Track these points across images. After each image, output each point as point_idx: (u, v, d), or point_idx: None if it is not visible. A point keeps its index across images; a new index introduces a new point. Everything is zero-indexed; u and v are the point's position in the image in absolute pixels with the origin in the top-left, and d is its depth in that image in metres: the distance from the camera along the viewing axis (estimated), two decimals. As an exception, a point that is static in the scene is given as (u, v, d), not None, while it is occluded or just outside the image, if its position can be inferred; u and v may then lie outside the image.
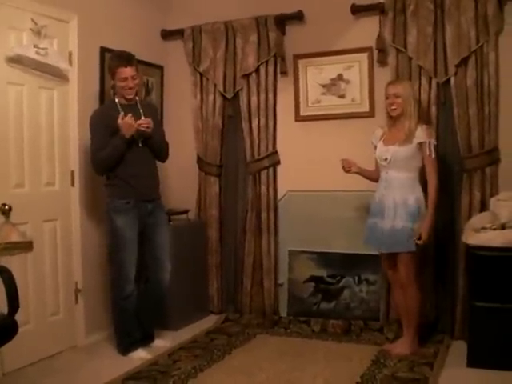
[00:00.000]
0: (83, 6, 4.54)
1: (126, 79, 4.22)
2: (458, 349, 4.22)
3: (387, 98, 4.20)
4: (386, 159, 4.16)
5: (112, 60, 4.32)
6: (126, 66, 4.20)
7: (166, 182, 5.23)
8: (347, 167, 4.34)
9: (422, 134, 4.09)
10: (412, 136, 4.09)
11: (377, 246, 4.31)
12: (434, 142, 4.11)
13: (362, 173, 4.40)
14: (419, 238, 4.03)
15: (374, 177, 4.37)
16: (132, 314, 4.35)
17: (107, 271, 4.59)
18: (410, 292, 4.15)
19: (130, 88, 4.26)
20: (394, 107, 4.15)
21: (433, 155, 4.09)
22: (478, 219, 4.21)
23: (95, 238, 4.68)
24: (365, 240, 4.36)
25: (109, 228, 4.35)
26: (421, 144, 4.08)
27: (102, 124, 4.21)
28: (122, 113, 4.16)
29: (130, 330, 4.36)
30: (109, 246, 4.40)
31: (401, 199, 4.09)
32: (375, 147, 4.31)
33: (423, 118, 4.40)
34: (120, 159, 4.20)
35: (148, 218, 4.36)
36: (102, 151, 4.16)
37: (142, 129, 4.19)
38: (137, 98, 4.41)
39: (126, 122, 4.12)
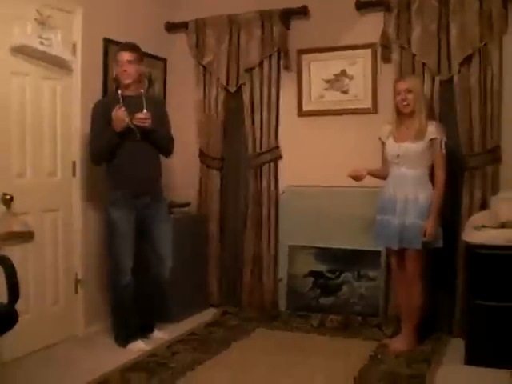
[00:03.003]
0: (88, -4, 4.54)
1: (122, 62, 4.23)
2: (456, 346, 4.23)
3: (398, 93, 4.16)
4: (398, 156, 4.15)
5: (117, 49, 4.37)
6: (124, 50, 4.25)
7: (168, 175, 5.22)
8: (358, 175, 4.31)
9: (434, 130, 4.08)
10: (424, 132, 4.08)
11: (387, 243, 4.30)
12: (445, 139, 4.11)
13: (373, 173, 4.37)
14: (425, 235, 4.04)
15: (383, 174, 4.35)
16: (129, 306, 4.35)
17: (107, 262, 4.61)
18: (415, 289, 4.15)
19: (125, 71, 4.24)
20: (406, 103, 4.12)
21: (443, 152, 4.09)
22: (478, 217, 4.21)
23: (96, 229, 4.69)
24: (375, 237, 4.35)
25: (105, 219, 4.37)
26: (432, 140, 4.07)
27: (101, 115, 4.21)
28: (119, 104, 4.14)
29: (127, 322, 4.37)
30: (106, 237, 4.42)
31: (412, 196, 4.08)
32: (383, 143, 4.30)
33: (430, 114, 4.40)
34: (113, 151, 4.20)
35: (146, 210, 4.35)
36: (97, 142, 4.19)
37: (138, 124, 4.16)
38: (142, 90, 4.40)
39: (117, 116, 4.11)
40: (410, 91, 4.12)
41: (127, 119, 4.11)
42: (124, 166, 4.25)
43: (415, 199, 4.08)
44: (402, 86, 4.16)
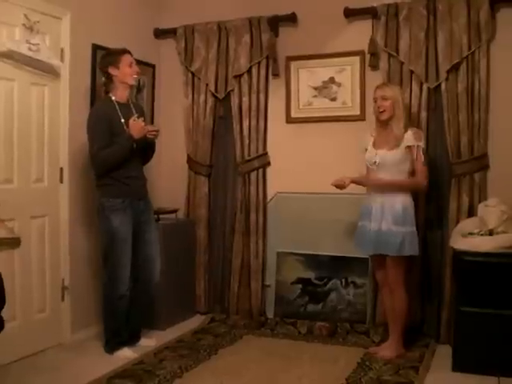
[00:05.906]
0: (76, 2, 4.53)
1: (132, 64, 4.29)
2: (444, 353, 4.24)
3: (375, 101, 4.20)
4: (374, 163, 4.18)
5: (111, 53, 4.34)
6: (129, 54, 4.31)
7: (156, 181, 5.23)
8: (341, 184, 4.31)
9: (410, 137, 4.09)
10: (400, 140, 4.10)
11: (365, 249, 4.32)
12: (422, 145, 4.12)
13: (358, 181, 4.36)
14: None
15: None
16: (123, 314, 4.34)
17: (95, 269, 4.59)
18: (398, 294, 4.16)
19: (138, 73, 4.38)
20: (381, 110, 4.15)
21: (422, 159, 4.10)
22: (465, 224, 4.24)
23: (83, 236, 4.66)
24: (355, 243, 4.38)
25: (104, 228, 4.28)
26: (409, 148, 4.09)
27: (104, 122, 4.19)
28: (136, 114, 4.22)
29: (119, 330, 4.35)
30: (104, 245, 4.33)
31: (388, 202, 4.10)
32: (365, 150, 4.31)
33: (413, 122, 4.42)
34: (124, 159, 4.20)
35: (140, 216, 4.36)
36: (106, 150, 4.14)
37: (150, 137, 4.26)
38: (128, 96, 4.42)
39: (139, 124, 4.17)
40: (385, 99, 4.14)
41: (146, 131, 4.22)
42: (122, 174, 4.24)
43: (391, 206, 4.09)
44: (378, 93, 4.19)
